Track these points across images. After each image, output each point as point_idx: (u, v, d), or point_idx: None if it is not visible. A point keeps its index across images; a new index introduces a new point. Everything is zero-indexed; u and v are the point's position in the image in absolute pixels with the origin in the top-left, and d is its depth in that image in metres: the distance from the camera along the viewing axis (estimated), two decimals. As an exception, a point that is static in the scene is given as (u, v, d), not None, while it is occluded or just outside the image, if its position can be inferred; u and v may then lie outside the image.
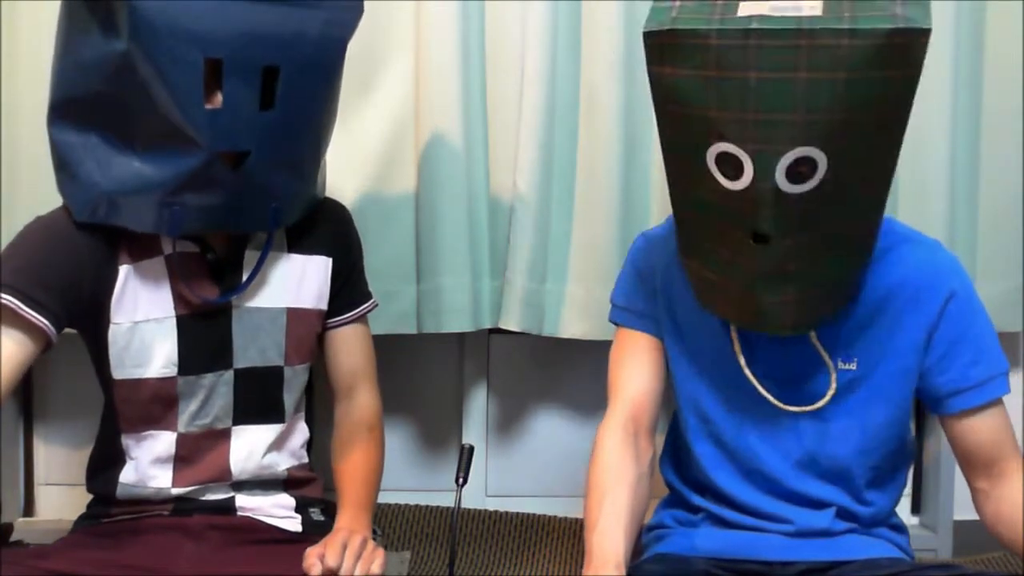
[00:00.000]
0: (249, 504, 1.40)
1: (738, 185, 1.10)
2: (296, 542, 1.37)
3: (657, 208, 1.75)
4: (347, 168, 1.70)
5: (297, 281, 1.42)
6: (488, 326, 1.76)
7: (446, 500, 1.84)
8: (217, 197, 1.26)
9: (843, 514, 1.33)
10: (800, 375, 1.29)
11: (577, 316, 1.74)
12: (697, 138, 1.12)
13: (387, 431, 1.51)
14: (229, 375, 1.38)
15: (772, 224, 1.11)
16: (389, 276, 1.71)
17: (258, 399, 1.40)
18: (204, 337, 1.36)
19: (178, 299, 1.34)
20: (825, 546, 1.31)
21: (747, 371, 1.28)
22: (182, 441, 1.36)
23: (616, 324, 1.42)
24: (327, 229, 1.45)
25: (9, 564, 1.22)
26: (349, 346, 1.48)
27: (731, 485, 1.35)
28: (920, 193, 1.76)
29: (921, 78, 1.09)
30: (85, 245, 1.30)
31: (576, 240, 1.74)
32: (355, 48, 1.40)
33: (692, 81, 1.09)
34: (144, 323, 1.33)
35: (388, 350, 1.56)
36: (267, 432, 1.41)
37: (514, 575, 1.74)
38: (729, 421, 1.34)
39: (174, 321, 1.34)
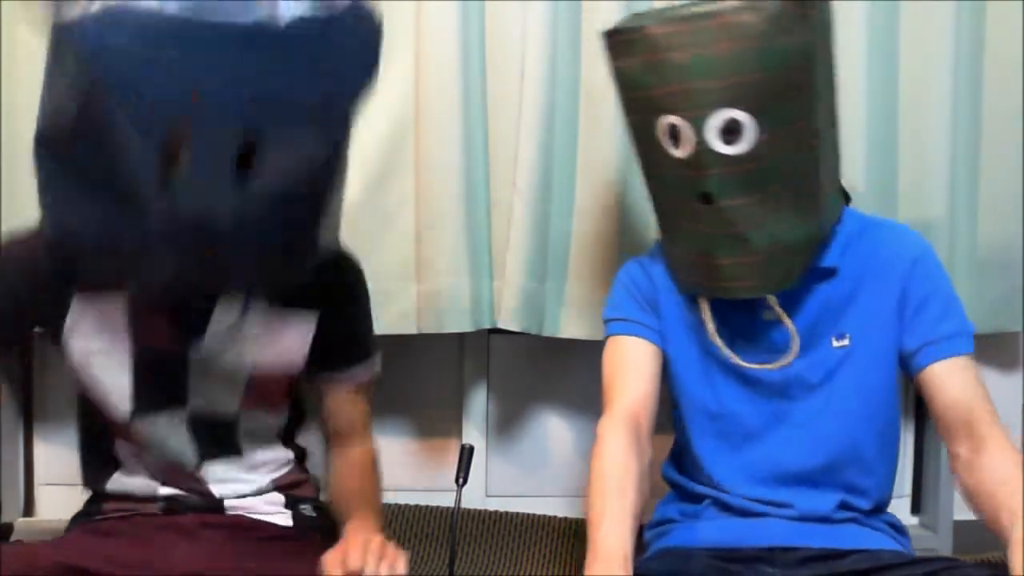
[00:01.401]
0: (239, 504, 1.39)
1: (683, 152, 1.26)
2: (288, 538, 1.37)
3: (657, 208, 1.76)
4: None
5: (271, 339, 1.34)
6: (488, 326, 1.76)
7: (446, 500, 1.84)
8: (187, 265, 1.14)
9: (844, 506, 1.37)
10: (768, 344, 1.38)
11: (577, 316, 1.74)
12: (647, 116, 1.29)
13: (387, 431, 1.51)
14: (183, 415, 1.34)
15: (713, 184, 1.25)
16: (389, 276, 1.71)
17: (216, 441, 1.36)
18: (159, 376, 1.31)
19: (134, 338, 1.30)
20: (827, 533, 1.34)
21: (716, 339, 1.36)
22: (158, 467, 1.35)
23: (609, 335, 1.45)
24: (322, 281, 1.33)
25: (7, 563, 1.21)
26: (343, 406, 1.44)
27: (734, 479, 1.38)
28: (920, 193, 1.76)
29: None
30: (38, 273, 1.26)
31: (576, 240, 1.74)
32: (355, 48, 1.39)
33: (637, 67, 1.27)
34: (97, 354, 1.30)
35: (388, 350, 1.56)
36: (239, 464, 1.38)
37: (514, 575, 1.74)
38: (734, 411, 1.39)
39: (128, 358, 1.30)
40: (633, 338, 1.43)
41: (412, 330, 1.73)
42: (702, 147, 1.23)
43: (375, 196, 1.71)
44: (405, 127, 1.71)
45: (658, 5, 1.61)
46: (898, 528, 1.43)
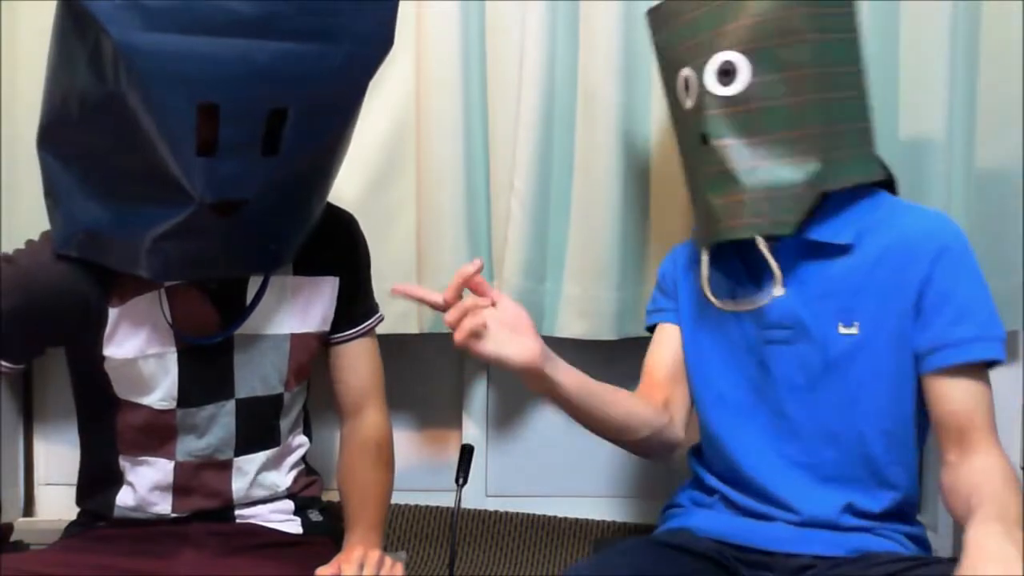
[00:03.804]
0: (248, 512, 1.39)
1: (691, 102, 1.35)
2: (297, 544, 1.36)
3: (655, 207, 1.75)
4: (347, 168, 1.69)
5: (303, 306, 1.38)
6: (488, 326, 1.76)
7: (446, 500, 1.84)
8: (208, 244, 1.17)
9: (852, 510, 1.33)
10: (755, 287, 1.39)
11: (575, 316, 1.74)
12: (671, 76, 1.40)
13: (387, 431, 1.50)
14: (231, 405, 1.34)
15: (709, 125, 1.32)
16: (389, 276, 1.71)
17: (258, 427, 1.37)
18: (205, 368, 1.31)
19: (179, 333, 1.29)
20: (831, 540, 1.31)
21: (706, 286, 1.39)
22: (180, 470, 1.34)
23: (650, 325, 1.55)
24: (334, 246, 1.41)
25: (6, 568, 1.21)
26: (357, 362, 1.45)
27: (747, 460, 1.38)
28: (919, 191, 1.75)
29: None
30: (67, 292, 1.24)
31: (574, 240, 1.74)
32: (355, 48, 1.39)
33: (672, 34, 1.39)
34: (143, 359, 1.28)
35: (388, 350, 1.56)
36: (267, 456, 1.39)
37: (514, 575, 1.74)
38: (745, 395, 1.40)
39: (175, 356, 1.29)
40: (662, 324, 1.52)
41: (412, 330, 1.74)
42: (702, 91, 1.32)
43: (375, 196, 1.71)
44: (405, 127, 1.72)
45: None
46: (917, 540, 1.36)
